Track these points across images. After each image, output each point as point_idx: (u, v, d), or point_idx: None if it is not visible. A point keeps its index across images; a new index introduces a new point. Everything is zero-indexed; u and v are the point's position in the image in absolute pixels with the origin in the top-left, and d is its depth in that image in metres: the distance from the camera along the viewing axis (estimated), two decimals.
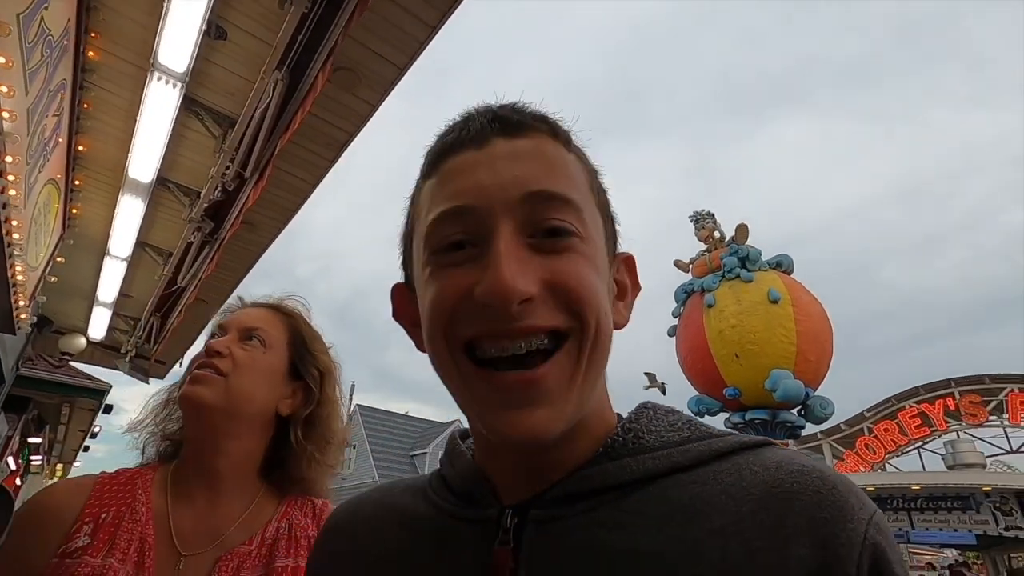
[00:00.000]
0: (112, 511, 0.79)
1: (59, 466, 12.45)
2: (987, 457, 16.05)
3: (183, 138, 3.70)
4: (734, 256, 9.70)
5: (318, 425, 0.95)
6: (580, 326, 0.43)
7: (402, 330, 0.57)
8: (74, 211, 4.42)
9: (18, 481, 10.86)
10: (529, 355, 0.42)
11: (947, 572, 18.16)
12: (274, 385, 0.92)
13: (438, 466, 0.59)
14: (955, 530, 12.95)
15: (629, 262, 0.56)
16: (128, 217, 4.34)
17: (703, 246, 10.61)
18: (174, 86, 3.19)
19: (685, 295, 10.30)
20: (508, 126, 0.48)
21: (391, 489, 0.61)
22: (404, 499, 0.57)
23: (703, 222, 10.76)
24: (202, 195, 3.94)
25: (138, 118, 3.39)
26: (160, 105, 3.31)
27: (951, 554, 21.81)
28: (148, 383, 7.18)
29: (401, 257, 0.57)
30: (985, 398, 15.33)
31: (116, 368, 6.84)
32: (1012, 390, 14.84)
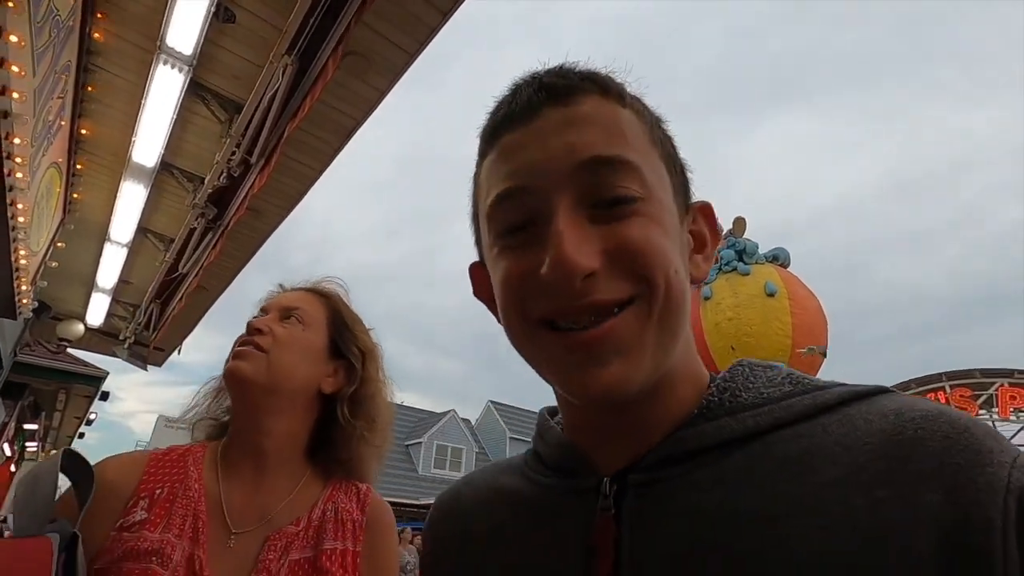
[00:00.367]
0: (167, 487, 0.80)
1: (53, 453, 12.40)
2: None
3: (188, 123, 3.66)
4: (731, 249, 9.73)
5: (364, 403, 0.96)
6: (648, 288, 0.43)
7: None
8: (75, 196, 4.37)
9: (13, 468, 10.83)
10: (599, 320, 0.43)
11: None
12: (315, 362, 0.93)
13: (530, 445, 0.59)
14: None
15: (706, 211, 0.53)
16: (130, 202, 4.29)
17: None
18: (180, 70, 3.15)
19: None
20: (555, 93, 0.46)
21: (488, 472, 0.62)
22: (504, 479, 0.58)
23: None
24: (206, 181, 3.91)
25: (143, 102, 3.35)
26: (166, 89, 3.27)
27: None
28: (146, 370, 7.16)
29: (474, 236, 0.57)
30: (975, 392, 15.49)
31: (114, 355, 6.79)
32: (1002, 384, 14.99)
